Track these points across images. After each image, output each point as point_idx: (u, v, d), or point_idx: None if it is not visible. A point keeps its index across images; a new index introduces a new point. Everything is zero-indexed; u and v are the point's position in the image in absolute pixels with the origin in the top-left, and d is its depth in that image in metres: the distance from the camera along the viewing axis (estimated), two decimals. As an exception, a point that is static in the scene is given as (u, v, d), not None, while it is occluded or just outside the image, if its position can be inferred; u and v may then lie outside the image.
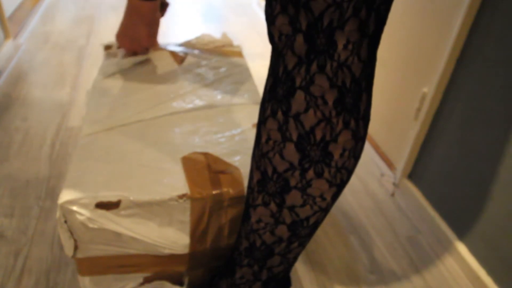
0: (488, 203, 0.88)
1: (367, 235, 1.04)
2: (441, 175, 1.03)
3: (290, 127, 0.50)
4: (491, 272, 0.89)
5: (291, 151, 0.51)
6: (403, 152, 1.15)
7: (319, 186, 0.53)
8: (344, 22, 0.44)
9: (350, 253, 0.99)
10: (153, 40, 1.04)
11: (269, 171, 0.54)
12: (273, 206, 0.57)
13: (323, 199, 0.55)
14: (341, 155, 0.51)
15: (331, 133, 0.50)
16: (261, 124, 0.54)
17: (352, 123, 0.50)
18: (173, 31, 2.14)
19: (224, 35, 1.19)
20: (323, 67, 0.46)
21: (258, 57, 1.90)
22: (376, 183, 1.21)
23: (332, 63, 0.46)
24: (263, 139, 0.54)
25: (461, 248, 0.96)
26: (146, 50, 1.06)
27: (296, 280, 0.91)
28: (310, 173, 0.52)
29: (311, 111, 0.49)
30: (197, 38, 1.17)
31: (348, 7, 0.43)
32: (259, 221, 0.60)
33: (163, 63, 1.05)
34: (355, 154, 0.53)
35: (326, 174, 0.53)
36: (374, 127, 1.33)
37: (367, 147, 1.34)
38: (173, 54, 1.08)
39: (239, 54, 1.13)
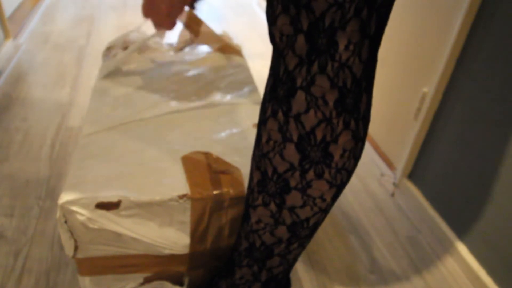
0: (488, 203, 0.88)
1: (367, 235, 1.04)
2: (441, 175, 1.03)
3: (290, 128, 0.50)
4: (491, 272, 0.89)
5: (291, 152, 0.51)
6: (403, 152, 1.15)
7: (319, 187, 0.53)
8: (346, 23, 0.44)
9: (350, 253, 0.99)
10: (171, 23, 1.00)
11: (269, 171, 0.54)
12: (273, 206, 0.57)
13: (323, 200, 0.55)
14: (341, 155, 0.51)
15: (331, 133, 0.50)
16: (261, 125, 0.54)
17: (352, 124, 0.50)
18: (173, 30, 2.13)
19: (225, 33, 1.19)
20: (324, 68, 0.46)
21: (258, 57, 1.90)
22: (376, 183, 1.21)
23: (333, 64, 0.46)
24: (264, 140, 0.54)
25: (461, 248, 0.96)
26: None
27: (296, 280, 0.90)
28: (310, 174, 0.52)
29: (311, 112, 0.49)
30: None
31: (349, 8, 0.43)
32: (258, 221, 0.60)
33: (161, 54, 1.05)
34: (355, 155, 0.53)
35: (326, 175, 0.52)
36: (374, 127, 1.33)
37: (367, 147, 1.34)
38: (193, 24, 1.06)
39: (239, 53, 1.12)
